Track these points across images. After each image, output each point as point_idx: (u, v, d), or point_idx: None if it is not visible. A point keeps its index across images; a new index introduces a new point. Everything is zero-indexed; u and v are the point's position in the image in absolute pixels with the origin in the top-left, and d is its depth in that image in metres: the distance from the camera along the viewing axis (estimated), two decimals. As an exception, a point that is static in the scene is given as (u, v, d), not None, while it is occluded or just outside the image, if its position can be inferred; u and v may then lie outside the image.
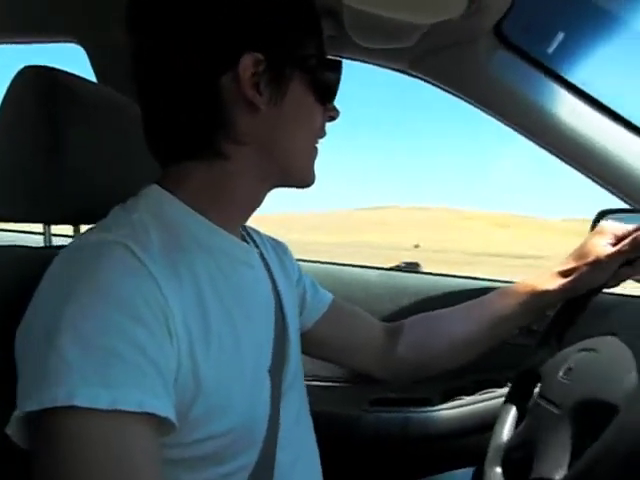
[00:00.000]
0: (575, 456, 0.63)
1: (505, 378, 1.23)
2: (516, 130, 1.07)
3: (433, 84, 1.08)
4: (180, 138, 0.62)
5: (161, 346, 0.51)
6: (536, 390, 0.86)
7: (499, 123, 1.10)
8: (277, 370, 0.68)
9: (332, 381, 1.29)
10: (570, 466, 0.62)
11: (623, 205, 1.11)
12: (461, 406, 1.24)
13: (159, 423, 0.49)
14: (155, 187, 0.63)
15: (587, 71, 1.05)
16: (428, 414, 1.24)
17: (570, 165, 1.11)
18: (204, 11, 0.58)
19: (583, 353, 0.75)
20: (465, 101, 1.06)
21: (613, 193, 1.10)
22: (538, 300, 0.87)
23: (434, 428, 1.23)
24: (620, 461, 0.54)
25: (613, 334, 0.81)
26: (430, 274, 1.48)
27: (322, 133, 0.69)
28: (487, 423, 1.18)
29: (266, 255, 0.77)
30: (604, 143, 1.05)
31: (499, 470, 0.80)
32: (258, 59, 0.58)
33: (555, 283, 0.86)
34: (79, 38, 1.32)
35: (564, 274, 0.85)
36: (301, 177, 0.69)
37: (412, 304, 1.36)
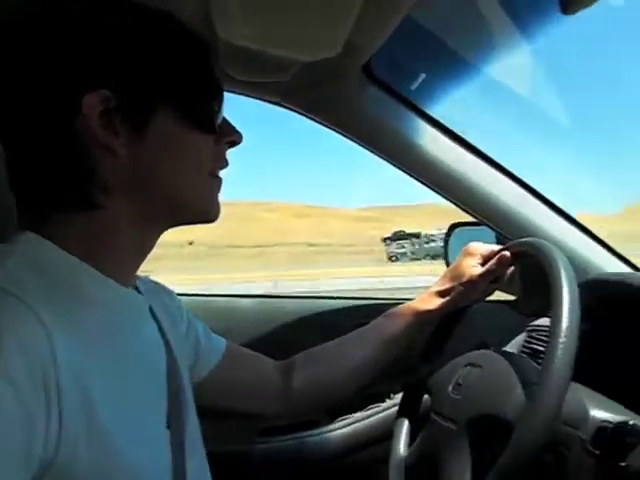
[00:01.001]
0: (476, 471, 0.67)
1: (388, 391, 1.29)
2: (382, 158, 1.14)
3: (306, 116, 1.11)
4: (47, 190, 0.55)
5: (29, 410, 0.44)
6: (425, 400, 0.92)
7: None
8: (176, 427, 0.63)
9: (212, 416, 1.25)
10: None
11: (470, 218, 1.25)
12: (350, 424, 1.27)
13: None
14: (31, 234, 0.55)
15: (444, 106, 1.18)
16: (321, 436, 1.25)
17: (428, 187, 1.22)
18: (42, 51, 0.53)
19: (469, 368, 0.80)
20: (336, 132, 1.11)
21: (464, 210, 1.24)
22: (421, 319, 0.94)
23: (329, 448, 1.25)
24: (522, 477, 0.58)
25: (486, 345, 0.90)
26: (306, 297, 1.51)
27: (219, 163, 0.65)
28: (378, 436, 1.24)
29: (152, 304, 0.69)
30: (457, 167, 1.16)
31: None
32: (106, 96, 0.53)
33: (434, 303, 0.94)
34: None
35: (441, 294, 0.94)
36: (198, 212, 0.64)
37: (288, 329, 1.36)
